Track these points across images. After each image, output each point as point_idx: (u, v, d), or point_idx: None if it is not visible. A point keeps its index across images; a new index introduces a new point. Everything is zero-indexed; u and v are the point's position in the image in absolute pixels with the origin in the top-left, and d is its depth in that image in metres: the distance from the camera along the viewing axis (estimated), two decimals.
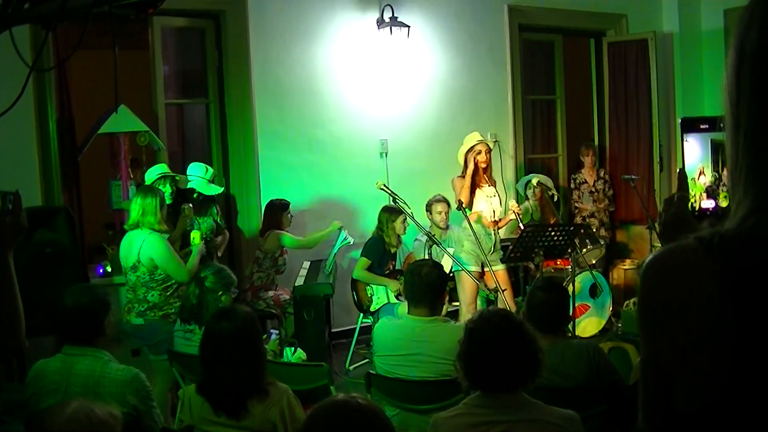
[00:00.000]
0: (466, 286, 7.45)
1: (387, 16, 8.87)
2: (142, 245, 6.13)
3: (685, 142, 1.81)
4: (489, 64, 9.85)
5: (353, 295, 8.07)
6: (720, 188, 1.79)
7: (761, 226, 1.27)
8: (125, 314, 6.27)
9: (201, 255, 6.52)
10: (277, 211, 7.95)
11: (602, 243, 9.00)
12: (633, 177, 9.74)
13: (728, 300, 1.25)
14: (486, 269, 7.34)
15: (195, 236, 6.67)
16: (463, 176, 7.57)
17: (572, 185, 10.52)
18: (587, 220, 10.08)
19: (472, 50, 9.70)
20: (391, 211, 7.93)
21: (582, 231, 8.55)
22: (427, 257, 7.62)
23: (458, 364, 3.36)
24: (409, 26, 8.88)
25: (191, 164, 7.53)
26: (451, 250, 7.58)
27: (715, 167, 1.79)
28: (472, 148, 7.55)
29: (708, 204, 1.77)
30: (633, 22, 10.92)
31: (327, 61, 8.79)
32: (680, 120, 1.83)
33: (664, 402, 1.34)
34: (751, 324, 1.23)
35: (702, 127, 1.81)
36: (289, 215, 7.99)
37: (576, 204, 10.36)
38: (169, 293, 6.18)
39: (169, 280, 6.20)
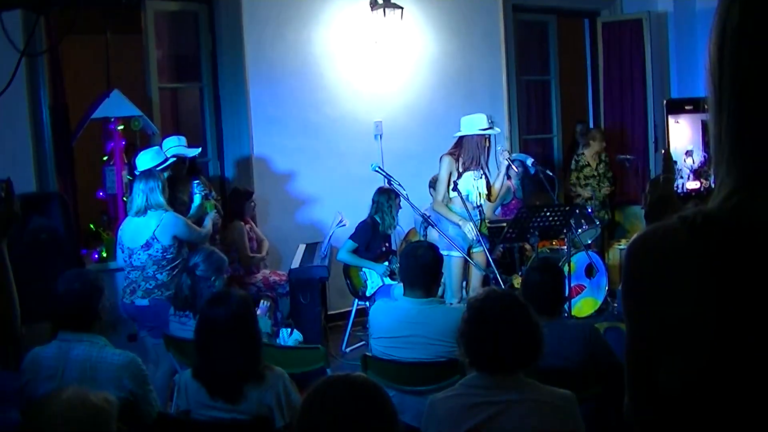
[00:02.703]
0: (453, 270, 7.33)
1: None
2: (161, 224, 6.23)
3: (675, 123, 1.81)
4: (483, 45, 9.83)
5: (347, 282, 8.07)
6: (709, 169, 1.79)
7: (743, 205, 1.28)
8: (128, 296, 6.28)
9: (214, 222, 6.90)
10: (240, 199, 7.94)
11: (597, 223, 8.97)
12: (628, 157, 9.75)
13: (711, 279, 1.26)
14: (473, 251, 7.25)
15: (209, 206, 6.95)
16: (452, 154, 7.34)
17: (572, 166, 10.34)
18: (588, 201, 9.95)
19: (465, 31, 9.68)
20: (387, 193, 7.89)
21: (577, 211, 8.54)
22: (422, 238, 7.60)
23: (460, 341, 3.36)
24: (402, 8, 8.85)
25: (165, 140, 7.42)
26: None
27: (705, 148, 1.80)
28: (481, 136, 7.24)
29: (694, 185, 1.78)
30: (627, 2, 10.91)
31: (321, 43, 8.77)
32: (665, 101, 1.83)
33: (650, 383, 1.35)
34: (733, 303, 1.24)
35: (687, 108, 1.81)
36: (252, 204, 8.00)
37: (575, 188, 10.20)
38: (175, 273, 6.21)
39: (177, 259, 6.25)
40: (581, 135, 11.23)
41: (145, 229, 6.25)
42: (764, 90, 1.28)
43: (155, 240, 6.20)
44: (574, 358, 4.34)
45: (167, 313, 5.89)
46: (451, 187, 7.12)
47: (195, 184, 7.12)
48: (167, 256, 6.24)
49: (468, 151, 7.25)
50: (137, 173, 6.69)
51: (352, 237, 7.95)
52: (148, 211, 6.26)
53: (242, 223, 7.83)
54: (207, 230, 6.73)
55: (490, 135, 7.32)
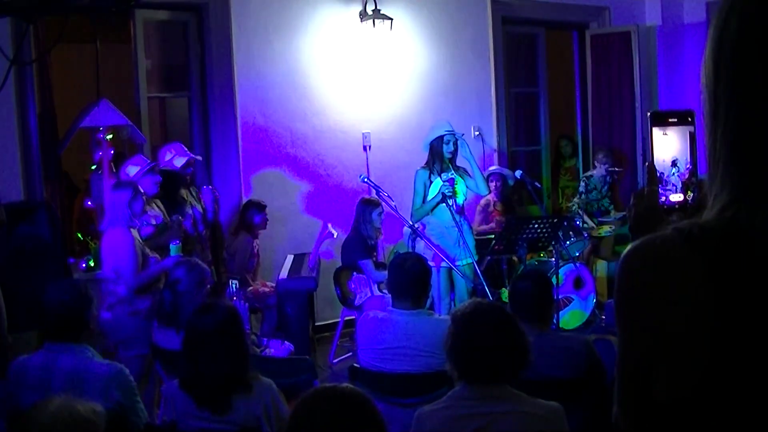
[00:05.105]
0: (441, 280, 7.35)
1: (370, 8, 8.86)
2: (105, 239, 6.07)
3: (664, 135, 1.81)
4: (472, 57, 9.85)
5: (336, 290, 8.04)
6: (695, 179, 1.80)
7: (739, 217, 1.28)
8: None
9: (162, 271, 6.06)
10: (250, 211, 7.92)
11: (586, 236, 8.96)
12: (616, 169, 9.75)
13: (709, 288, 1.26)
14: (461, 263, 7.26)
15: (174, 249, 6.26)
16: (426, 166, 7.44)
17: (581, 188, 9.85)
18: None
19: (455, 43, 9.70)
20: (367, 203, 7.90)
21: (565, 223, 8.55)
22: (410, 250, 7.60)
23: (448, 355, 3.36)
24: (392, 19, 8.86)
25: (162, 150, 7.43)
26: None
27: (692, 160, 1.80)
28: (441, 137, 7.41)
29: (678, 197, 1.78)
30: (616, 14, 10.95)
31: (310, 54, 8.77)
32: (649, 114, 1.84)
33: (642, 393, 1.35)
34: (731, 311, 1.25)
35: (671, 120, 1.82)
36: (263, 218, 7.94)
37: (591, 219, 9.61)
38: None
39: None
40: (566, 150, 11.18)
41: (102, 243, 6.16)
42: (760, 102, 1.28)
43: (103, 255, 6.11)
44: (563, 370, 4.33)
45: (132, 327, 5.84)
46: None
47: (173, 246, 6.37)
48: (121, 272, 6.01)
49: (432, 157, 7.43)
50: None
51: (357, 257, 7.90)
52: (107, 225, 6.15)
53: (249, 236, 7.85)
54: (141, 282, 5.99)
55: (456, 139, 7.37)
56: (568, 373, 4.32)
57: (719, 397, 1.26)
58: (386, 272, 7.65)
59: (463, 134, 7.62)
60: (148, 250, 6.19)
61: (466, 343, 3.28)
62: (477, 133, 9.78)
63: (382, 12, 8.83)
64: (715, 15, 1.37)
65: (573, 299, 8.54)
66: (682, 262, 1.29)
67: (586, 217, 9.45)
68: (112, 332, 6.04)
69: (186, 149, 7.37)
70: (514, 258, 8.40)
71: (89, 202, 7.57)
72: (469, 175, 7.42)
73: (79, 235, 8.10)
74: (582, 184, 9.82)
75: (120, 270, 5.94)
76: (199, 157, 7.56)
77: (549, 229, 7.43)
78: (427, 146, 7.46)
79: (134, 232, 6.10)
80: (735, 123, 1.31)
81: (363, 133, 9.09)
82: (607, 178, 9.81)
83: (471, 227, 7.73)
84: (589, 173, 9.97)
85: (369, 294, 7.82)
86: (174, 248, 6.23)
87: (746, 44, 1.30)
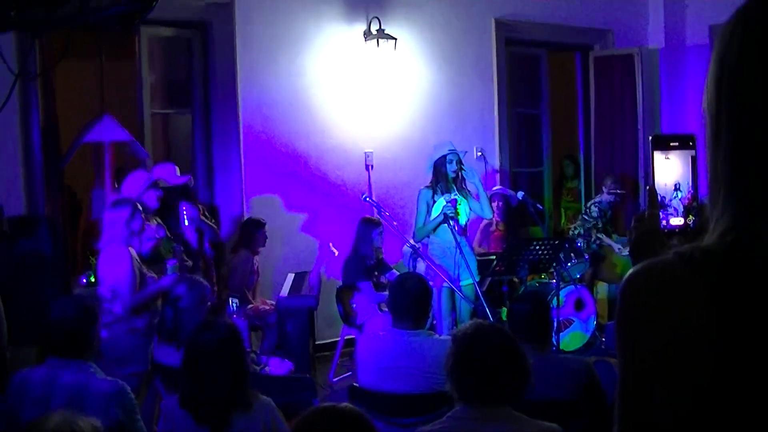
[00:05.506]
0: (443, 301, 7.36)
1: (374, 28, 8.89)
2: (101, 258, 6.02)
3: (666, 159, 1.82)
4: (475, 77, 9.87)
5: (339, 307, 8.03)
6: (695, 203, 1.80)
7: (741, 241, 1.28)
8: None
9: (160, 291, 6.01)
10: (250, 228, 7.94)
11: (587, 257, 8.94)
12: (618, 191, 9.73)
13: (711, 313, 1.26)
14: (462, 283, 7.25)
15: (172, 269, 6.18)
16: (429, 186, 7.46)
17: (595, 212, 9.63)
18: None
19: (458, 63, 9.72)
20: (368, 222, 7.91)
21: (567, 245, 8.54)
22: (411, 270, 7.60)
23: (447, 374, 3.36)
24: (395, 39, 8.89)
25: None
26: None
27: (694, 184, 1.81)
28: (443, 157, 7.43)
29: (678, 221, 1.78)
30: (619, 36, 10.98)
31: (313, 72, 8.79)
32: (651, 137, 1.85)
33: (642, 415, 1.35)
34: (733, 336, 1.25)
35: (673, 144, 1.82)
36: (263, 235, 7.97)
37: (604, 239, 9.56)
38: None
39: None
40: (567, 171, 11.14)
41: (99, 261, 6.10)
42: (762, 126, 1.28)
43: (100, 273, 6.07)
44: (563, 392, 4.32)
45: (128, 346, 5.80)
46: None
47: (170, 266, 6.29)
48: (117, 291, 5.91)
49: (436, 177, 7.42)
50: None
51: (356, 279, 7.89)
52: (105, 243, 6.07)
53: (249, 253, 7.86)
54: (137, 302, 5.91)
55: (459, 158, 7.37)
56: (568, 394, 4.31)
57: (720, 420, 1.26)
58: (386, 293, 7.71)
59: (466, 152, 7.62)
60: (145, 269, 6.17)
61: (466, 364, 3.28)
62: (479, 153, 9.78)
63: (386, 32, 8.86)
64: (717, 37, 1.38)
65: (573, 321, 8.53)
66: (683, 286, 1.29)
67: (606, 239, 9.45)
68: (109, 350, 6.00)
69: (176, 171, 7.34)
70: (515, 279, 8.38)
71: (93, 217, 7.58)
72: (474, 198, 7.43)
73: (88, 256, 8.08)
74: (595, 209, 9.68)
75: (117, 289, 5.88)
76: (183, 179, 7.44)
77: (550, 251, 7.42)
78: (430, 168, 7.47)
79: (132, 251, 6.07)
80: (736, 146, 1.31)
81: (365, 153, 9.09)
82: (611, 201, 9.78)
83: (472, 248, 7.75)
84: (598, 199, 9.87)
85: (370, 314, 7.81)
86: (171, 268, 6.20)
87: (748, 67, 1.30)
